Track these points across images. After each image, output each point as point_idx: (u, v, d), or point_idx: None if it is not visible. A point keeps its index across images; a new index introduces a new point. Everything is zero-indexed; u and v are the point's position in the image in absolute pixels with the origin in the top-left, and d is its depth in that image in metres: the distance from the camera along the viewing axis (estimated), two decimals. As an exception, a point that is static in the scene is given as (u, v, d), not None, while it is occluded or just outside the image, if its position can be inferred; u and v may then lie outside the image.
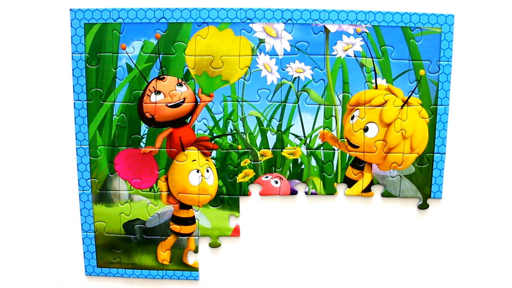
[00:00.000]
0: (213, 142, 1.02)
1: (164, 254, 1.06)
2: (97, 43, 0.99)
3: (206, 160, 1.03)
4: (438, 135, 1.00)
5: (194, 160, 1.02)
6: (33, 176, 1.05)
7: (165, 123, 1.02)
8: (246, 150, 1.02)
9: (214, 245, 1.05)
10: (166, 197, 1.04)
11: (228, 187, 1.03)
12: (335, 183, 1.03)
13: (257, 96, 1.01)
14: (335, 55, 0.99)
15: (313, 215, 1.05)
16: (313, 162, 1.02)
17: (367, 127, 1.01)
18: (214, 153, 1.03)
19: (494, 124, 1.02)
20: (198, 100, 1.01)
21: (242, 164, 1.03)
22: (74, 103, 1.01)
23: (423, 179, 1.02)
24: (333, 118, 1.01)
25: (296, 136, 1.02)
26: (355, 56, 0.99)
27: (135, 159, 1.03)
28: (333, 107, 1.01)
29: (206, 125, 1.02)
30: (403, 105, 0.99)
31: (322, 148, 1.02)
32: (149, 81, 1.00)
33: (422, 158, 1.01)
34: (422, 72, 0.99)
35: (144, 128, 1.02)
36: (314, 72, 1.00)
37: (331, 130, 1.01)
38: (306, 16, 0.98)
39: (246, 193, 1.03)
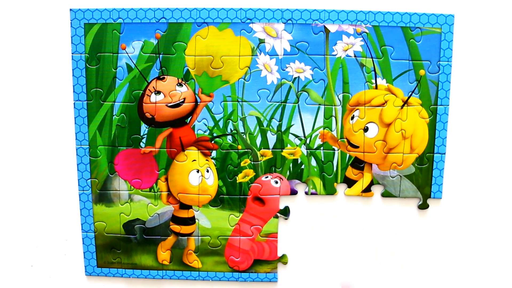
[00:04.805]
0: (213, 142, 1.02)
1: (164, 254, 1.06)
2: (97, 43, 0.99)
3: (206, 160, 1.03)
4: (438, 135, 1.00)
5: (194, 160, 1.02)
6: (33, 176, 1.05)
7: (165, 123, 1.02)
8: (246, 150, 1.02)
9: (214, 245, 1.05)
10: (166, 197, 1.04)
11: (228, 187, 1.04)
12: (335, 183, 1.03)
13: (257, 96, 1.01)
14: (335, 55, 0.99)
15: (313, 215, 1.05)
16: (313, 162, 1.02)
17: (367, 127, 1.01)
18: (214, 153, 1.03)
19: (494, 124, 1.02)
20: (198, 100, 1.01)
21: (242, 164, 1.03)
22: (74, 103, 1.01)
23: (423, 179, 1.02)
24: (333, 118, 1.01)
25: (296, 136, 1.02)
26: (355, 56, 0.99)
27: (135, 159, 1.03)
28: (333, 107, 1.01)
29: (206, 125, 1.02)
30: (403, 105, 0.99)
31: (322, 148, 1.02)
32: (149, 81, 1.00)
33: (422, 158, 1.01)
34: (422, 72, 0.99)
35: (144, 128, 1.02)
36: (314, 72, 1.00)
37: (331, 130, 1.01)
38: (306, 16, 0.98)
39: (246, 193, 1.03)
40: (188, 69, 1.00)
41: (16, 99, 1.03)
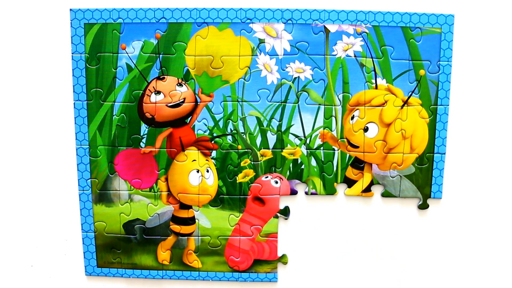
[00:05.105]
0: (213, 142, 1.02)
1: (164, 254, 1.06)
2: (97, 43, 0.99)
3: (206, 160, 1.03)
4: (438, 135, 1.00)
5: (194, 160, 1.02)
6: (33, 176, 1.05)
7: (165, 123, 1.02)
8: (246, 150, 1.02)
9: (214, 245, 1.05)
10: (166, 197, 1.04)
11: (228, 187, 1.04)
12: (335, 183, 1.03)
13: (257, 96, 1.01)
14: (335, 55, 0.99)
15: (313, 215, 1.05)
16: (313, 162, 1.02)
17: (367, 127, 1.01)
18: (214, 153, 1.03)
19: (494, 124, 1.02)
20: (198, 100, 1.01)
21: (242, 164, 1.03)
22: (74, 103, 1.01)
23: (423, 179, 1.02)
24: (333, 118, 1.01)
25: (296, 136, 1.02)
26: (355, 56, 0.99)
27: (135, 159, 1.03)
28: (333, 107, 1.01)
29: (206, 125, 1.02)
30: (403, 105, 0.99)
31: (322, 148, 1.02)
32: (149, 81, 1.00)
33: (422, 158, 1.01)
34: (422, 72, 0.99)
35: (144, 128, 1.02)
36: (314, 72, 1.00)
37: (331, 130, 1.01)
38: (306, 16, 0.98)
39: (246, 193, 1.04)
40: (188, 69, 1.00)
41: (16, 99, 1.03)
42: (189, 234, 1.05)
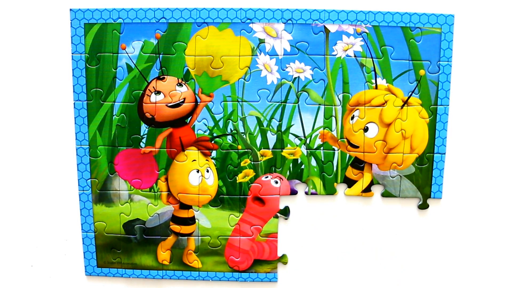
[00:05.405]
0: (213, 142, 1.02)
1: (164, 254, 1.06)
2: (97, 43, 0.99)
3: (206, 160, 1.03)
4: (438, 135, 1.00)
5: (194, 160, 1.02)
6: (33, 176, 1.05)
7: (165, 123, 1.02)
8: (246, 150, 1.02)
9: (214, 245, 1.05)
10: (166, 197, 1.04)
11: (228, 187, 1.04)
12: (335, 183, 1.03)
13: (257, 96, 1.01)
14: (335, 55, 0.99)
15: (313, 215, 1.05)
16: (313, 162, 1.02)
17: (367, 127, 1.01)
18: (214, 153, 1.03)
19: (494, 124, 1.02)
20: (198, 100, 1.01)
21: (242, 164, 1.03)
22: (74, 103, 1.01)
23: (423, 179, 1.02)
24: (333, 118, 1.01)
25: (296, 136, 1.02)
26: (355, 56, 0.99)
27: (135, 159, 1.03)
28: (333, 107, 1.01)
29: (206, 125, 1.02)
30: (403, 105, 0.99)
31: (322, 148, 1.02)
32: (149, 81, 1.00)
33: (422, 158, 1.01)
34: (422, 72, 0.99)
35: (144, 128, 1.02)
36: (314, 72, 1.00)
37: (331, 130, 1.01)
38: (306, 16, 0.98)
39: (246, 193, 1.03)
40: (188, 69, 1.00)
41: (16, 99, 1.03)
42: (189, 234, 1.05)
